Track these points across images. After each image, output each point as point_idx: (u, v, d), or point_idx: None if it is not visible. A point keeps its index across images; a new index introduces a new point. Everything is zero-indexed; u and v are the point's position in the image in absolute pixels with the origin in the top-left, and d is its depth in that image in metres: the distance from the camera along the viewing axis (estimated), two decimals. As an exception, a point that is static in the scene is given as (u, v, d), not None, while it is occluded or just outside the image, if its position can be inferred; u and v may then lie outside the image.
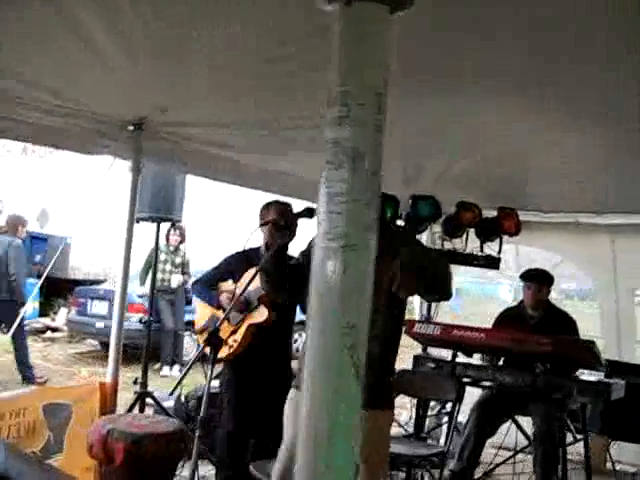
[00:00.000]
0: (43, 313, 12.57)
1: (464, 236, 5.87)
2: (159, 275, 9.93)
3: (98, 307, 9.96)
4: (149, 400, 5.05)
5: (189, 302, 9.52)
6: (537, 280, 4.92)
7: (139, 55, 2.92)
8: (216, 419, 5.11)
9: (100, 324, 9.91)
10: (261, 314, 4.02)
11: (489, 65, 3.09)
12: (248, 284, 3.72)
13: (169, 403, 5.35)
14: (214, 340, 2.68)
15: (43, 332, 11.75)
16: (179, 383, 3.06)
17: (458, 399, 4.19)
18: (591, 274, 6.12)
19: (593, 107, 3.80)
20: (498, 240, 5.85)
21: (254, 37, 2.78)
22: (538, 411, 4.41)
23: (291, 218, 2.94)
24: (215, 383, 5.19)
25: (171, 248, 9.45)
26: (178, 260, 9.60)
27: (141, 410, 4.97)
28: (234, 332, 4.04)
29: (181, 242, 9.50)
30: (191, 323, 9.95)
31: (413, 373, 4.66)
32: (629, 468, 5.35)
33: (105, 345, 10.65)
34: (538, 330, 4.62)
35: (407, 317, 5.15)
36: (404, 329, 4.89)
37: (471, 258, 5.90)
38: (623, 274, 5.85)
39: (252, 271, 3.88)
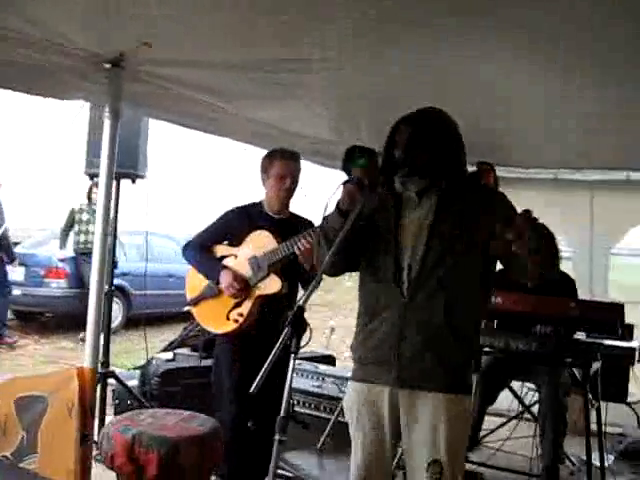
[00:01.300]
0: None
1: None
2: (82, 237, 9.21)
3: (13, 273, 9.04)
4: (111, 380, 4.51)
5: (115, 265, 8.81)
6: None
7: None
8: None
9: (16, 291, 9.05)
10: (272, 284, 3.49)
11: (472, 13, 2.77)
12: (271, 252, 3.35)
13: (132, 382, 4.80)
14: (297, 323, 2.09)
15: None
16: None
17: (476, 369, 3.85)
18: (567, 233, 5.91)
19: (578, 60, 3.60)
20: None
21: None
22: (546, 377, 4.19)
23: (375, 174, 2.43)
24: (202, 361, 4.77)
25: (94, 207, 8.67)
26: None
27: (103, 392, 4.43)
28: (238, 305, 3.51)
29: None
30: (120, 289, 9.38)
31: None
32: (613, 429, 5.22)
33: (22, 315, 9.87)
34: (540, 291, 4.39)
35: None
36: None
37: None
38: (599, 232, 5.70)
39: (262, 234, 3.50)
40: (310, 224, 3.68)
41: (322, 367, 4.81)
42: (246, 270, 3.52)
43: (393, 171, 2.43)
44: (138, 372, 5.13)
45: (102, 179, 3.38)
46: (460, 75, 3.84)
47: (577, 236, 5.84)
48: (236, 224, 3.62)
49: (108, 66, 3.26)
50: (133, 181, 4.65)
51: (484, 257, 2.35)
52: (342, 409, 3.32)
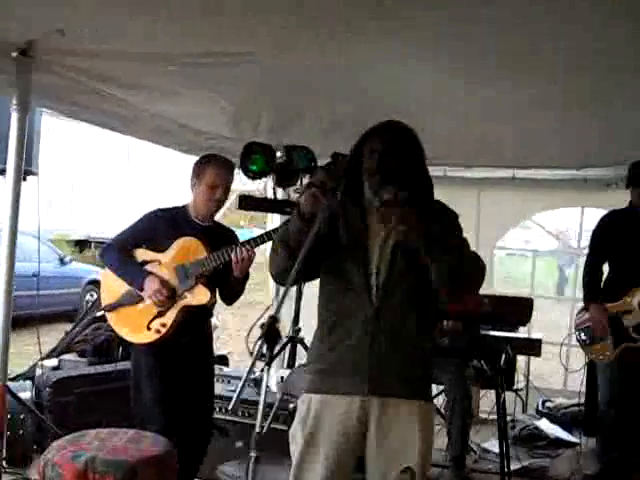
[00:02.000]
0: None
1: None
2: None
3: None
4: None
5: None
6: None
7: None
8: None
9: None
10: (199, 295, 3.35)
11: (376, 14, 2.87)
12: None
13: (25, 394, 4.45)
14: (270, 334, 1.98)
15: None
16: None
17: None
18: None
19: (466, 61, 3.79)
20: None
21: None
22: (454, 369, 4.31)
23: (337, 175, 2.36)
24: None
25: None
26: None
27: None
28: (160, 314, 3.33)
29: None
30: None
31: None
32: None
33: None
34: None
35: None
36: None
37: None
38: (485, 227, 5.92)
39: (191, 241, 3.34)
40: (233, 234, 3.62)
41: (227, 369, 4.71)
42: (172, 278, 3.36)
43: (359, 179, 2.39)
44: (28, 382, 4.77)
45: (9, 175, 3.12)
46: (360, 75, 3.92)
47: (464, 231, 6.05)
48: (161, 228, 3.42)
49: (15, 54, 3.01)
50: (24, 178, 4.31)
51: None
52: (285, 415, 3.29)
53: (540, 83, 4.14)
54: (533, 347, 4.19)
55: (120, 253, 3.42)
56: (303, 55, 3.48)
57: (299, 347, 5.28)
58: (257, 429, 2.09)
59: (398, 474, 2.23)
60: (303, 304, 5.31)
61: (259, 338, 2.04)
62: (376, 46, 3.41)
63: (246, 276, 3.38)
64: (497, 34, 3.36)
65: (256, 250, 3.33)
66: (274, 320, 2.05)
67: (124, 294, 3.42)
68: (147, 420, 3.26)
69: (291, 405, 4.28)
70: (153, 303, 3.33)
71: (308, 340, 5.37)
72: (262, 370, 2.23)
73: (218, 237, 3.43)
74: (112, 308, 3.46)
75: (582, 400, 5.16)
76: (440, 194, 5.93)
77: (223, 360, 5.70)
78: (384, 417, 2.28)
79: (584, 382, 5.05)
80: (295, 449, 2.34)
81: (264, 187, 5.71)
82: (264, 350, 2.05)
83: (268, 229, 3.37)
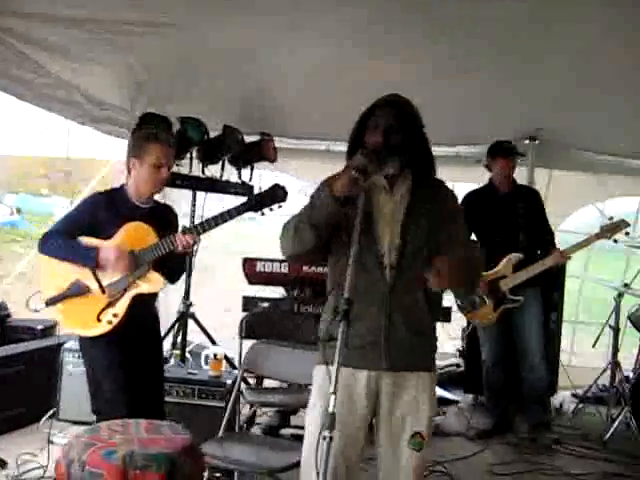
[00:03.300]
0: None
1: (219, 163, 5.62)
2: None
3: None
4: None
5: None
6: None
7: None
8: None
9: None
10: (153, 282, 3.27)
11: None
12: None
13: None
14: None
15: None
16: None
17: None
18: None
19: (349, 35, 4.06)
20: (250, 167, 5.77)
21: None
22: None
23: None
24: None
25: None
26: None
27: None
28: (110, 304, 3.23)
29: None
30: None
31: (262, 315, 4.34)
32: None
33: None
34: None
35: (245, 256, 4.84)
36: (242, 271, 4.57)
37: (229, 186, 5.66)
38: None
39: (140, 226, 3.22)
40: (173, 212, 3.56)
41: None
42: None
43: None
44: None
45: None
46: (248, 53, 4.26)
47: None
48: (103, 213, 3.26)
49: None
50: None
51: None
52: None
53: (416, 59, 4.49)
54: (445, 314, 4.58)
55: (63, 236, 3.23)
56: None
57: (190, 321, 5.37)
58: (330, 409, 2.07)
59: (410, 438, 2.41)
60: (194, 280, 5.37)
61: (340, 320, 2.09)
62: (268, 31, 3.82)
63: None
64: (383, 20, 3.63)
65: None
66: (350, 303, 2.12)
67: (70, 285, 3.26)
68: (111, 411, 3.11)
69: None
70: (118, 273, 3.20)
71: (199, 315, 5.46)
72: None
73: (162, 218, 3.38)
74: (56, 300, 3.27)
75: (458, 361, 5.66)
76: (323, 167, 6.23)
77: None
78: (396, 388, 2.44)
79: (463, 346, 5.54)
80: (314, 418, 2.46)
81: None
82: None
83: (217, 214, 3.32)
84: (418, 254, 2.46)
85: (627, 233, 4.66)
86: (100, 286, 3.25)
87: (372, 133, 2.44)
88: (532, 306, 4.73)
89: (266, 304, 4.45)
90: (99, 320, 3.23)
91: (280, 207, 3.36)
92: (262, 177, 6.19)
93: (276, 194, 3.32)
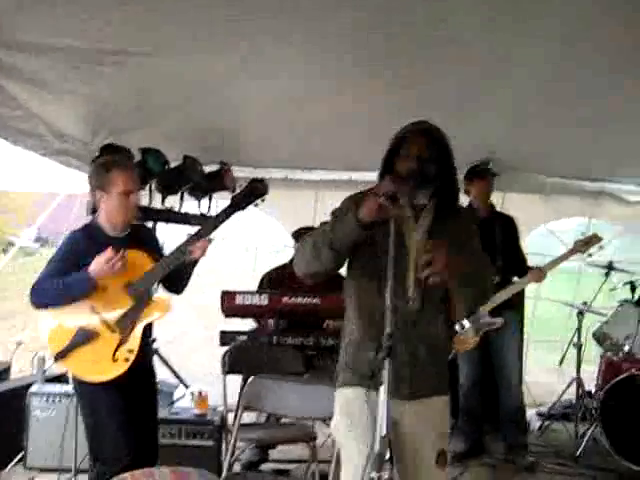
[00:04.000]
0: None
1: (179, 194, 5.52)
2: None
3: None
4: None
5: None
6: None
7: None
8: None
9: None
10: (160, 306, 3.16)
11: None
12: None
13: None
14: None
15: None
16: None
17: (310, 369, 4.04)
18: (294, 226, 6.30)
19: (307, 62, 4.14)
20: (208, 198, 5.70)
21: None
22: None
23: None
24: None
25: None
26: None
27: None
28: (123, 341, 3.09)
29: None
30: None
31: (245, 349, 4.21)
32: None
33: None
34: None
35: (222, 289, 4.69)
36: (220, 304, 4.44)
37: (188, 217, 5.55)
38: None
39: (132, 254, 3.08)
40: (146, 227, 3.46)
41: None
42: (127, 300, 3.13)
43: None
44: None
45: None
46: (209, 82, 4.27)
47: (301, 231, 6.29)
48: (84, 251, 3.10)
49: None
50: None
51: None
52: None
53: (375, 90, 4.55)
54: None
55: (50, 282, 3.05)
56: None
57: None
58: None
59: (436, 456, 2.46)
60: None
61: (382, 358, 2.05)
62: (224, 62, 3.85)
63: None
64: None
65: None
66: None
67: (76, 334, 3.10)
68: (113, 457, 3.03)
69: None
70: (114, 276, 3.04)
71: (163, 351, 5.30)
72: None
73: (142, 240, 3.28)
74: (66, 353, 3.09)
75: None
76: (282, 195, 6.22)
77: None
78: (417, 412, 2.48)
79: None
80: (339, 435, 2.53)
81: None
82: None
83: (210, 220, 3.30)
84: (439, 286, 2.46)
85: (601, 247, 4.79)
86: (107, 325, 3.10)
87: (405, 161, 2.44)
88: (510, 328, 4.79)
89: (243, 337, 4.34)
90: (115, 360, 3.08)
91: (263, 201, 3.32)
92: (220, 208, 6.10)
93: (256, 188, 3.30)
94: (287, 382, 3.30)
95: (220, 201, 5.99)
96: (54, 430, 4.19)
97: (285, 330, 4.41)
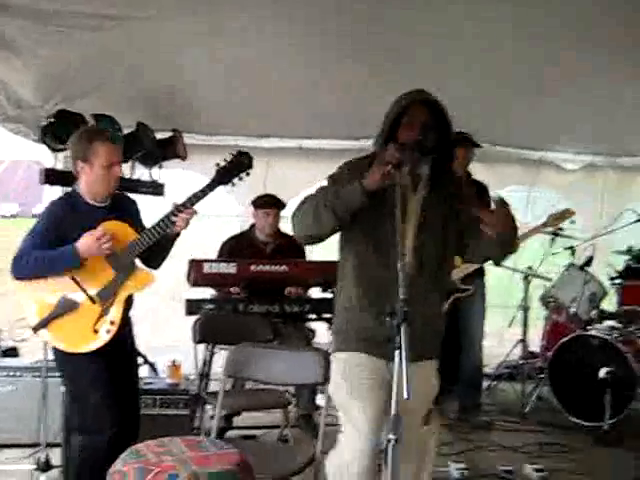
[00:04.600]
0: None
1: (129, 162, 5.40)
2: None
3: None
4: None
5: None
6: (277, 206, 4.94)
7: None
8: None
9: None
10: (142, 278, 3.10)
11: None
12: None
13: None
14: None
15: None
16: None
17: (276, 336, 4.06)
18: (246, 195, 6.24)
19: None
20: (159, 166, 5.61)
21: None
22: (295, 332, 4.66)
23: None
24: None
25: None
26: None
27: None
28: (104, 312, 3.03)
29: None
30: None
31: (214, 318, 4.17)
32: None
33: None
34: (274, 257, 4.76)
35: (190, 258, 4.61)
36: (187, 273, 4.38)
37: (140, 184, 5.45)
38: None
39: (111, 224, 3.00)
40: (130, 198, 3.38)
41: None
42: (109, 271, 3.06)
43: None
44: None
45: None
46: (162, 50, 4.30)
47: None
48: (67, 221, 3.02)
49: None
50: None
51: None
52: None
53: (326, 60, 4.60)
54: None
55: (34, 254, 2.95)
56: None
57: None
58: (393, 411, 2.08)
59: (424, 418, 2.62)
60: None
61: (400, 323, 2.09)
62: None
63: None
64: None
65: None
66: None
67: (57, 303, 3.01)
68: (97, 425, 2.97)
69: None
70: (104, 256, 2.99)
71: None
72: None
73: (125, 210, 3.21)
74: (44, 323, 3.00)
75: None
76: None
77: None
78: (416, 374, 2.45)
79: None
80: (340, 399, 2.60)
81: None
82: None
83: (194, 193, 3.21)
84: (434, 253, 2.57)
85: (572, 222, 4.98)
86: (88, 296, 3.04)
87: (408, 130, 2.48)
88: (479, 294, 4.96)
89: (211, 305, 4.30)
90: (96, 332, 3.03)
91: (248, 174, 3.30)
92: (170, 176, 5.99)
93: (241, 162, 3.27)
94: (271, 350, 3.31)
95: (169, 170, 5.94)
96: (17, 405, 4.08)
97: (250, 298, 4.41)
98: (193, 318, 4.20)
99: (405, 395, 1.97)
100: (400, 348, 2.08)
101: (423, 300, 2.53)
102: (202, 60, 4.73)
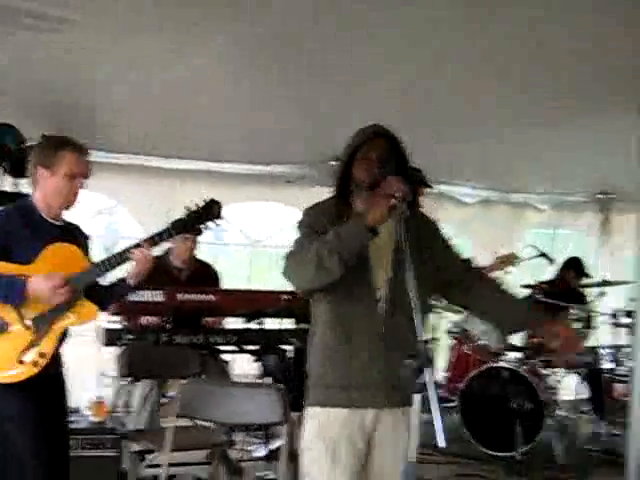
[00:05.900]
0: None
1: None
2: None
3: None
4: None
5: None
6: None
7: None
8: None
9: None
10: (87, 312, 2.77)
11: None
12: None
13: None
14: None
15: None
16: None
17: (203, 371, 3.83)
18: (143, 221, 5.93)
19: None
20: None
21: None
22: None
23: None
24: None
25: None
26: None
27: None
28: (35, 343, 2.66)
29: None
30: None
31: (140, 350, 3.83)
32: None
33: None
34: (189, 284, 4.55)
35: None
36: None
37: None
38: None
39: (65, 248, 2.74)
40: (82, 231, 3.03)
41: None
42: None
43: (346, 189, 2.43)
44: None
45: None
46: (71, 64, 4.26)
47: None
48: (17, 232, 2.68)
49: None
50: None
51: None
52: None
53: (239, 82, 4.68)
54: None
55: None
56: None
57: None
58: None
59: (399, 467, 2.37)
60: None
61: (418, 370, 1.93)
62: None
63: None
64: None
65: None
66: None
67: None
68: (25, 474, 2.61)
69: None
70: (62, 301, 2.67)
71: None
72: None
73: (75, 239, 2.90)
74: None
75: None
76: (141, 183, 5.92)
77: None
78: (389, 425, 2.40)
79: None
80: (314, 461, 2.36)
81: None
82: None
83: (157, 232, 2.92)
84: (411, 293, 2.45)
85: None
86: (21, 320, 2.68)
87: (361, 168, 2.39)
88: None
89: (131, 336, 3.99)
90: (21, 362, 2.66)
91: (217, 225, 3.09)
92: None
93: (212, 211, 3.05)
94: (223, 387, 3.11)
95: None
96: None
97: (173, 328, 4.15)
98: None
99: (441, 443, 1.84)
100: (423, 391, 1.94)
101: (402, 340, 2.34)
102: (108, 75, 4.58)
